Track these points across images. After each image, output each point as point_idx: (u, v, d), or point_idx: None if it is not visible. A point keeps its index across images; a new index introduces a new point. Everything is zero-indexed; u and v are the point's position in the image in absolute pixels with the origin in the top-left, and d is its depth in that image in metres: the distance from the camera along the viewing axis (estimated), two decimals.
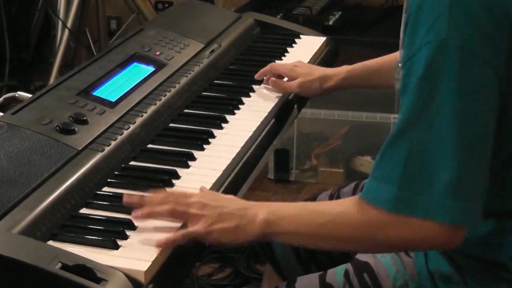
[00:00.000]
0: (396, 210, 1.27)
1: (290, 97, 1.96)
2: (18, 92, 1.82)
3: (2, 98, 1.84)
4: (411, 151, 1.26)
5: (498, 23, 1.25)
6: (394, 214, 1.28)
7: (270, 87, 1.96)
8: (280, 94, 1.93)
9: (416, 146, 1.26)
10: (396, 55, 1.80)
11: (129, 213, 1.38)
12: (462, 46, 1.24)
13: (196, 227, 1.36)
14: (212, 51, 2.05)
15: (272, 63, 2.03)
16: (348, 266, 1.55)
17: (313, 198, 1.83)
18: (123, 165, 1.55)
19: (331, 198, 1.80)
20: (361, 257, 1.55)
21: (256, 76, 1.97)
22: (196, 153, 1.61)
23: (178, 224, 1.38)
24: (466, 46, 1.24)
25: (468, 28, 1.24)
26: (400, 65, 1.37)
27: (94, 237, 1.31)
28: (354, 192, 1.78)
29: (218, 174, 1.55)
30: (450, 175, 1.24)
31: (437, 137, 1.24)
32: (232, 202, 1.41)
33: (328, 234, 1.35)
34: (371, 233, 1.31)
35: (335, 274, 1.55)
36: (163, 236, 1.33)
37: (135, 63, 1.87)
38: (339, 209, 1.36)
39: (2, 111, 1.60)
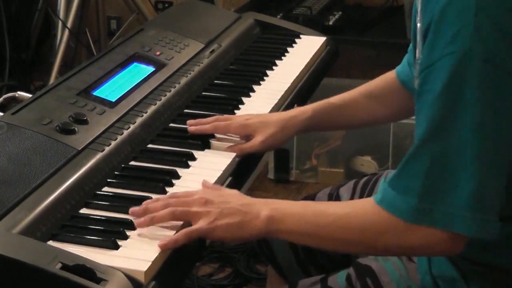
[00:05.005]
0: (416, 221, 1.27)
1: (289, 97, 1.96)
2: (18, 92, 1.82)
3: (2, 98, 1.84)
4: (433, 163, 1.25)
5: None
6: (412, 223, 1.27)
7: (269, 88, 1.96)
8: (280, 95, 1.92)
9: (437, 158, 1.25)
10: (360, 91, 1.79)
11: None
12: (486, 59, 1.21)
13: (198, 225, 1.34)
14: (212, 51, 2.05)
15: (215, 123, 1.68)
16: (350, 270, 1.54)
17: (312, 197, 1.82)
18: (123, 165, 1.55)
19: (330, 197, 1.79)
20: (363, 261, 1.55)
21: (193, 131, 1.67)
22: (196, 153, 1.61)
23: (179, 223, 1.37)
24: (490, 58, 1.21)
25: (493, 39, 1.21)
26: (418, 62, 1.34)
27: (94, 237, 1.31)
28: (353, 191, 1.77)
29: (218, 174, 1.55)
30: (471, 187, 1.23)
31: (459, 149, 1.23)
32: (236, 198, 1.40)
33: (332, 236, 1.35)
34: (381, 238, 1.31)
35: (337, 278, 1.54)
36: (164, 235, 1.33)
37: (135, 63, 1.87)
38: (346, 211, 1.35)
39: (2, 111, 1.60)
